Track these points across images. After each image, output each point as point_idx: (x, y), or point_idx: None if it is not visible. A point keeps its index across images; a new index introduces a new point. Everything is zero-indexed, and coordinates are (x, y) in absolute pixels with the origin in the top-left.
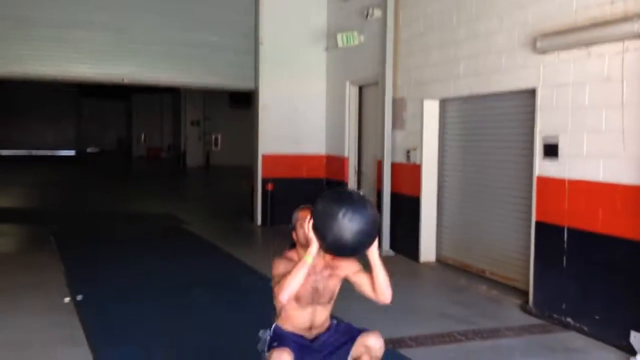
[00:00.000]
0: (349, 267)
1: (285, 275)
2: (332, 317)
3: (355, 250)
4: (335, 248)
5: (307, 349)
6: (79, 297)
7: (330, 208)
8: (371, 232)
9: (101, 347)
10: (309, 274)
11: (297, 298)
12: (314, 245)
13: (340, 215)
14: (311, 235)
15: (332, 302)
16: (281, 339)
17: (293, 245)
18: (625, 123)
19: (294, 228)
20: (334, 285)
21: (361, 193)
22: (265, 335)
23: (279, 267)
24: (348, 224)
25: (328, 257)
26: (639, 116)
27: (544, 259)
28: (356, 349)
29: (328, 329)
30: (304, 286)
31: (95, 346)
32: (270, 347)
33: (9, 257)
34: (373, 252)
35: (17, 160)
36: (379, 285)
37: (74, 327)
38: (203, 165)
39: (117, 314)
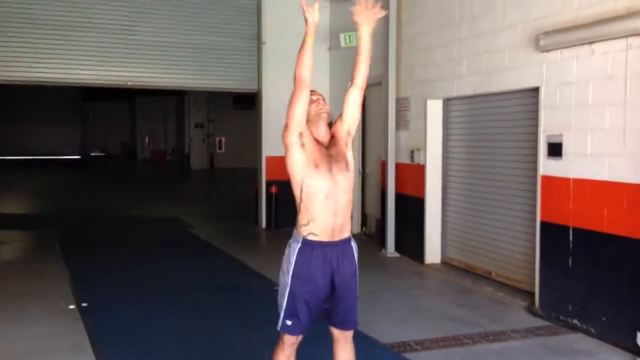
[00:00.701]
0: (339, 125)
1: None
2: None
3: None
4: None
5: (320, 290)
6: (84, 304)
7: None
8: None
9: (106, 354)
10: (320, 147)
11: (316, 164)
12: (310, 22)
13: None
14: (309, 10)
15: (350, 168)
16: (296, 310)
17: None
18: (628, 121)
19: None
20: (343, 147)
21: None
22: (291, 250)
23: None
24: None
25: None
26: None
27: (550, 260)
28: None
29: (349, 243)
30: (319, 156)
31: (100, 353)
32: (284, 326)
33: (14, 264)
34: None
35: (21, 165)
36: (360, 59)
37: (78, 334)
38: (207, 167)
39: (122, 318)
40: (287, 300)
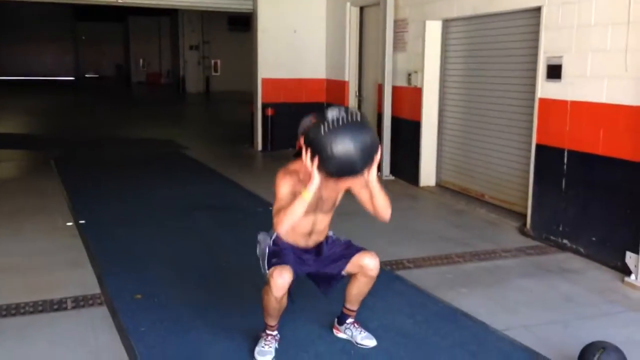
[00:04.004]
0: (354, 181)
1: (286, 204)
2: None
3: (356, 172)
4: (337, 172)
5: (303, 262)
6: (82, 222)
7: (328, 131)
8: (370, 154)
9: (104, 267)
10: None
11: None
12: (315, 181)
13: (339, 138)
14: (313, 171)
15: (333, 209)
16: (280, 254)
17: (298, 154)
18: (630, 42)
19: (303, 134)
20: (337, 194)
21: (357, 113)
22: (265, 242)
23: (283, 186)
24: (348, 145)
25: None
26: None
27: (543, 182)
28: (351, 266)
29: (326, 240)
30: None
31: (99, 267)
32: (270, 264)
33: (10, 182)
34: (372, 178)
35: (15, 85)
36: (378, 207)
37: (77, 250)
38: (203, 90)
39: (120, 236)
40: (269, 255)
